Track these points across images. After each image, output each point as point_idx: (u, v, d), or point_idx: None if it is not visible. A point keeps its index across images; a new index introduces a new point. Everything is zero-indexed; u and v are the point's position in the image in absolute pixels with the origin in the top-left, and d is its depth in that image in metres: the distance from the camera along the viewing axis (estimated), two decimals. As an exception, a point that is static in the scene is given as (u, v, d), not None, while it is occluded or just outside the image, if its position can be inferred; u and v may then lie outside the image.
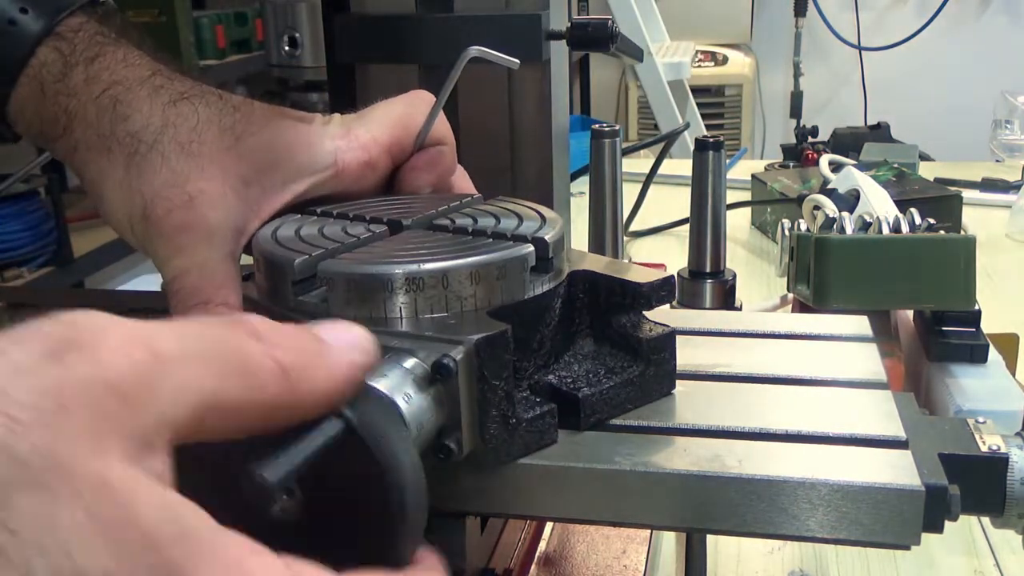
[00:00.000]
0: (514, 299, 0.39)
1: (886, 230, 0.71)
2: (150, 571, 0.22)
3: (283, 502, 0.29)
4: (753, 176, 1.38)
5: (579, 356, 0.43)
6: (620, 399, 0.41)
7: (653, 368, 0.41)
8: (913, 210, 0.74)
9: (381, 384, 0.33)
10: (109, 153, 0.46)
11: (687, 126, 1.60)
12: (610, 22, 0.61)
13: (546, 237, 0.41)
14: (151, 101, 0.46)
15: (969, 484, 0.37)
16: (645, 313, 0.42)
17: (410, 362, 0.34)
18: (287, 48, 1.17)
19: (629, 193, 0.90)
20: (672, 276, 0.42)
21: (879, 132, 2.33)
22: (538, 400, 0.39)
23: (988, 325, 0.68)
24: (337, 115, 0.50)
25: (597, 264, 0.44)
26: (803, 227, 0.79)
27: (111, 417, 0.23)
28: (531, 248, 0.40)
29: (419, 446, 0.34)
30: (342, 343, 0.30)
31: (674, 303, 0.54)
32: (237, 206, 0.45)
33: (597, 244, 0.76)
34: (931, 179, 1.33)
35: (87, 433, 0.22)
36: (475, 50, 0.47)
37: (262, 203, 0.47)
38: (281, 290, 0.41)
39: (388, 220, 0.45)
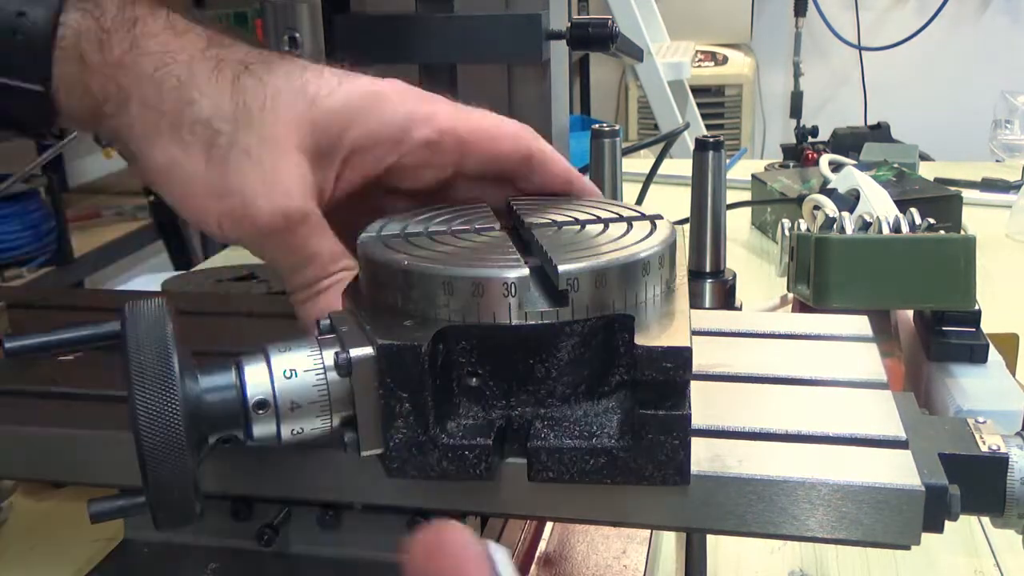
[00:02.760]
0: (493, 321, 0.36)
1: (886, 230, 0.71)
2: None
3: None
4: (753, 176, 1.38)
5: (606, 409, 0.37)
6: (585, 466, 0.35)
7: (644, 448, 0.35)
8: (913, 210, 0.74)
9: (280, 353, 0.36)
10: (182, 143, 0.44)
11: (687, 126, 1.60)
12: (610, 22, 0.61)
13: (561, 267, 0.36)
14: (216, 80, 0.44)
15: (969, 484, 0.37)
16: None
17: (331, 351, 0.36)
18: (287, 48, 1.17)
19: (629, 193, 0.90)
20: (685, 349, 0.34)
21: (879, 132, 2.34)
22: (481, 432, 0.36)
23: (988, 325, 0.68)
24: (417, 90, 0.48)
25: (659, 313, 0.38)
26: (803, 227, 0.79)
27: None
28: (523, 272, 0.36)
29: (304, 424, 0.36)
30: None
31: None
32: (318, 178, 0.45)
33: (597, 244, 0.76)
34: (931, 179, 1.32)
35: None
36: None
37: (337, 167, 0.46)
38: None
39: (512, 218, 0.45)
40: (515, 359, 0.37)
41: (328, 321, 0.38)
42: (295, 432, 0.36)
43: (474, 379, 0.37)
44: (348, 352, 0.35)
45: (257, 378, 0.36)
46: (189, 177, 0.44)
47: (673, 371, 0.34)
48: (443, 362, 0.36)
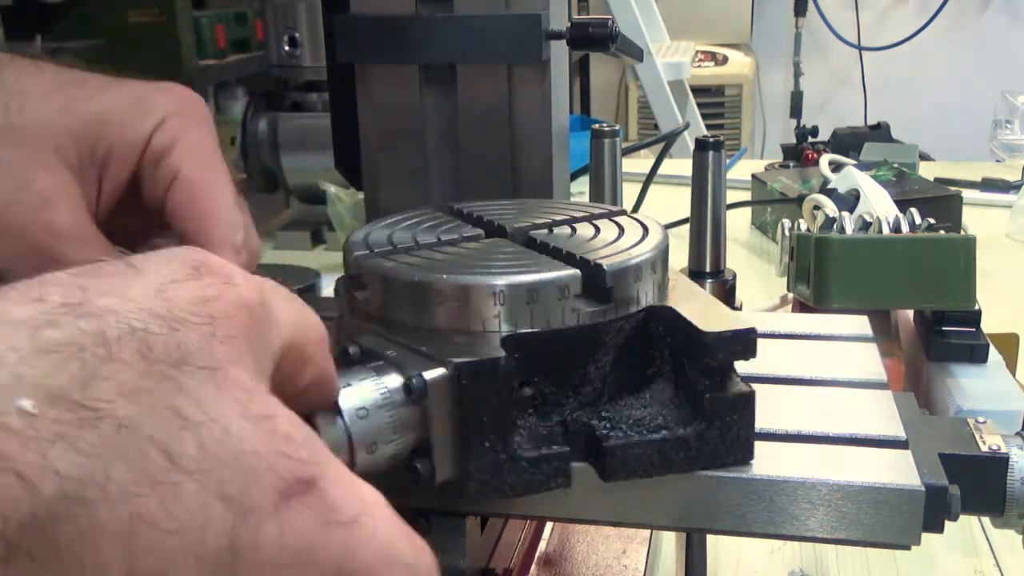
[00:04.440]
0: (547, 326, 0.36)
1: (886, 230, 0.71)
2: (290, 465, 0.24)
3: None
4: (753, 176, 1.38)
5: (646, 400, 0.38)
6: (662, 458, 0.35)
7: (715, 432, 0.36)
8: (913, 210, 0.74)
9: (344, 393, 0.32)
10: None
11: (687, 126, 1.60)
12: (610, 22, 0.60)
13: (605, 264, 0.36)
14: None
15: (969, 484, 0.37)
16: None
17: (391, 376, 0.33)
18: (287, 48, 1.17)
19: (629, 193, 0.90)
20: (750, 330, 0.36)
21: (879, 132, 2.33)
22: (552, 440, 0.36)
23: (988, 325, 0.68)
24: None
25: (689, 299, 0.39)
26: (803, 227, 0.79)
27: (247, 336, 0.26)
28: (576, 273, 0.36)
29: (378, 463, 0.32)
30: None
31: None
32: (85, 189, 0.41)
33: (597, 244, 0.76)
34: (931, 179, 1.32)
35: (231, 344, 0.25)
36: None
37: (96, 178, 0.42)
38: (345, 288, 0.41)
39: (489, 224, 0.43)
40: (568, 362, 0.37)
41: (357, 347, 0.35)
42: (371, 472, 0.33)
43: (527, 388, 0.36)
44: (422, 376, 0.33)
45: (334, 436, 0.32)
46: None
47: (741, 353, 0.36)
48: None
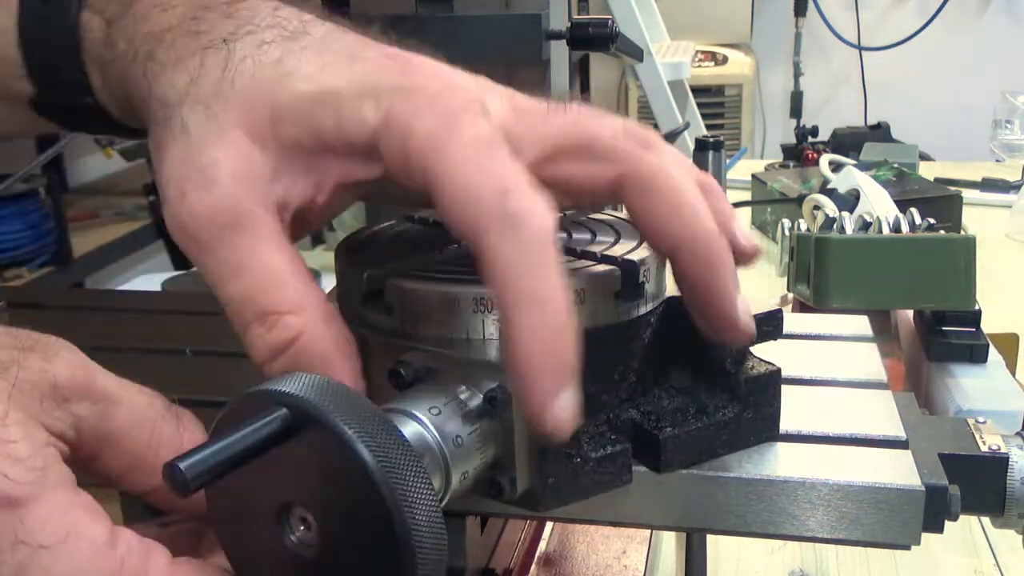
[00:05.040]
0: (594, 326, 0.36)
1: (886, 230, 0.71)
2: (3, 499, 0.29)
3: (299, 532, 0.28)
4: (753, 176, 1.38)
5: (671, 390, 0.38)
6: (709, 443, 0.36)
7: (751, 411, 0.37)
8: (913, 210, 0.74)
9: (434, 420, 0.30)
10: (150, 126, 0.36)
11: (687, 126, 1.60)
12: (610, 22, 0.60)
13: (636, 259, 0.36)
14: (182, 52, 0.36)
15: (969, 484, 0.37)
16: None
17: (462, 389, 0.32)
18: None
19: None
20: (779, 310, 0.38)
21: (879, 132, 2.34)
22: (612, 438, 0.35)
23: (988, 325, 0.68)
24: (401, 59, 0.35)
25: None
26: (803, 227, 0.79)
27: (43, 398, 0.32)
28: (616, 271, 0.36)
29: (466, 487, 0.31)
30: None
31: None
32: (271, 172, 0.34)
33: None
34: (931, 179, 1.33)
35: (23, 398, 0.31)
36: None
37: (311, 166, 0.35)
38: (351, 302, 0.37)
39: None
40: (612, 359, 0.37)
41: (408, 367, 0.33)
42: (457, 498, 0.32)
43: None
44: (505, 388, 0.31)
45: (432, 466, 0.30)
46: (155, 166, 0.36)
47: (771, 333, 0.38)
48: None
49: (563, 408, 0.30)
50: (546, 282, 0.30)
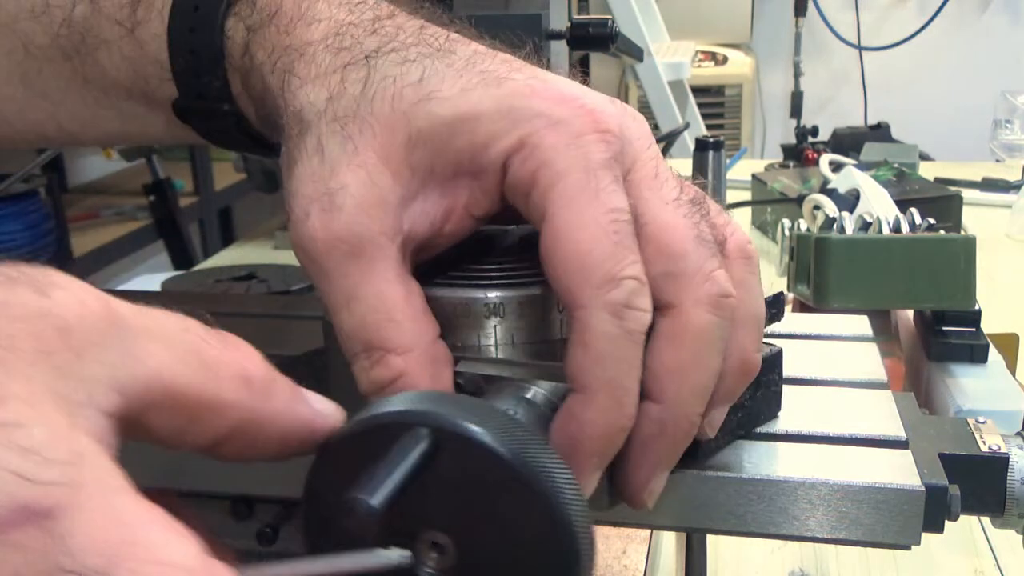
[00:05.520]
0: None
1: (886, 230, 0.71)
2: (20, 488, 0.20)
3: (433, 560, 0.28)
4: (753, 176, 1.38)
5: None
6: (728, 426, 0.36)
7: (762, 391, 0.38)
8: (913, 210, 0.74)
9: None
10: (283, 140, 0.36)
11: (687, 126, 1.60)
12: (610, 22, 0.60)
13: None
14: (323, 68, 0.35)
15: (969, 484, 0.37)
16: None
17: (530, 393, 0.32)
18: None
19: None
20: (781, 293, 0.40)
21: (879, 132, 2.34)
22: None
23: (988, 325, 0.68)
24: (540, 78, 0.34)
25: None
26: (803, 227, 0.79)
27: (51, 353, 0.23)
28: None
29: None
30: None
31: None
32: (399, 200, 0.33)
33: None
34: (931, 179, 1.33)
35: (22, 360, 0.22)
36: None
37: (441, 194, 0.34)
38: None
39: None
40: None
41: (475, 377, 0.33)
42: None
43: None
44: None
45: None
46: (284, 182, 0.36)
47: (776, 316, 0.39)
48: None
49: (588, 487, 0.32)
50: (629, 376, 0.31)
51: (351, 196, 0.33)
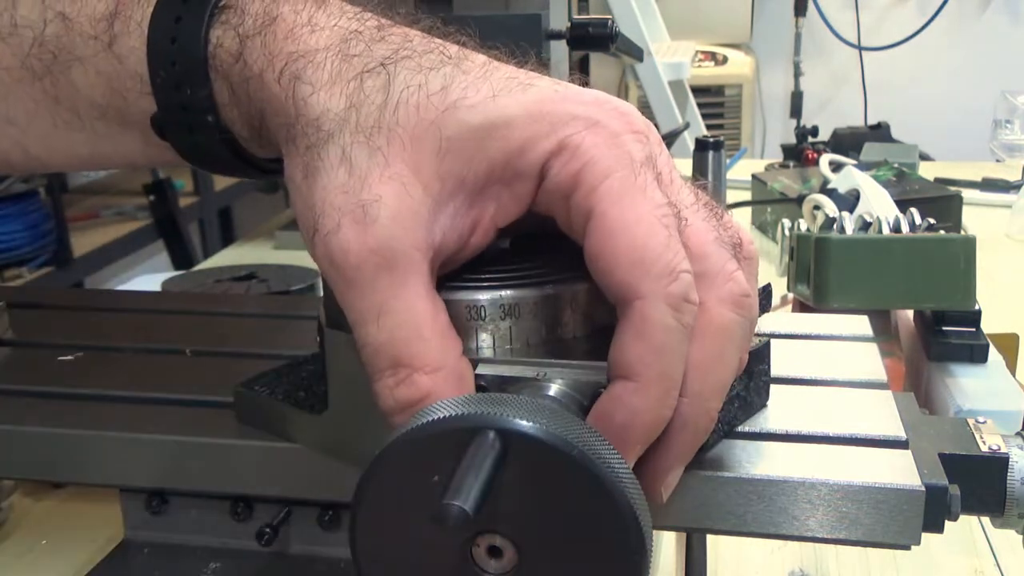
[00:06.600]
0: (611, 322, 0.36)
1: (886, 230, 0.71)
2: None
3: (493, 565, 0.28)
4: (753, 176, 1.38)
5: None
6: (727, 418, 0.38)
7: (754, 381, 0.39)
8: (913, 210, 0.74)
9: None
10: (294, 151, 0.35)
11: (687, 126, 1.60)
12: (610, 22, 0.60)
13: None
14: (336, 75, 0.35)
15: (969, 484, 0.37)
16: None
17: (552, 391, 0.32)
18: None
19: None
20: (767, 285, 0.40)
21: (879, 132, 2.34)
22: None
23: (988, 325, 0.68)
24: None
25: None
26: (803, 227, 0.79)
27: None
28: None
29: None
30: None
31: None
32: (430, 213, 0.33)
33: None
34: (931, 179, 1.32)
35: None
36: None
37: (471, 204, 0.34)
38: None
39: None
40: None
41: (492, 380, 0.34)
42: None
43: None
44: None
45: None
46: (295, 191, 0.35)
47: (765, 307, 0.40)
48: None
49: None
50: (679, 369, 0.32)
51: (385, 208, 0.32)
